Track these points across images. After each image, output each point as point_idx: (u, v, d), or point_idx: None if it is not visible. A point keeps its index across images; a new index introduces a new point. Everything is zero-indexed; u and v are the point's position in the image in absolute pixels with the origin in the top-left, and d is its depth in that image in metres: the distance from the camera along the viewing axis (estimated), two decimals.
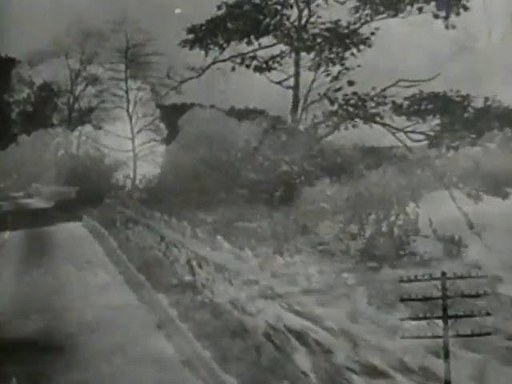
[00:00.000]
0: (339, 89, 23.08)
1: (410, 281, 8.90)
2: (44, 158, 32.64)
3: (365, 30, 23.13)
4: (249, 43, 24.39)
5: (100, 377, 11.22)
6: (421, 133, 21.61)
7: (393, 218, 18.75)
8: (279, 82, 24.17)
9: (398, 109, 21.93)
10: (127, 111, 30.83)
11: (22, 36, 28.69)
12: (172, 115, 29.95)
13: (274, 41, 24.34)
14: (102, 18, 28.03)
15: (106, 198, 29.58)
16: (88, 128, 32.26)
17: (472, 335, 8.74)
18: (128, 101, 30.71)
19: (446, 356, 8.48)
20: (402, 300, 9.05)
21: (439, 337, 8.59)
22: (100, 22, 28.40)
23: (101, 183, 30.89)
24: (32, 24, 28.09)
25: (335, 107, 22.78)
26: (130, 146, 31.01)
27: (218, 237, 17.02)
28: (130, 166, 31.12)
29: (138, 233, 22.61)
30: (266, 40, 24.30)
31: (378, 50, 22.69)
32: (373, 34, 23.06)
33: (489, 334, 8.71)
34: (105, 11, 27.61)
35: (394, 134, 21.98)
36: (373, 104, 22.26)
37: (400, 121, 21.76)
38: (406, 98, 21.94)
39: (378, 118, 22.03)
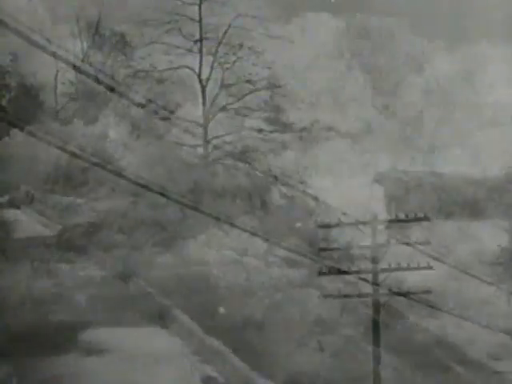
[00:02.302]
0: None
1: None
2: (40, 152, 23.45)
3: None
4: None
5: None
6: None
7: None
8: None
9: None
10: (199, 78, 22.12)
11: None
12: None
13: None
14: None
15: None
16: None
17: (407, 294, 9.35)
18: (201, 62, 22.14)
19: (377, 311, 9.11)
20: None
21: (369, 295, 9.01)
22: None
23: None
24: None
25: None
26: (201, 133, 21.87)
27: None
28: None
29: None
30: None
31: None
32: None
33: (429, 292, 9.09)
34: None
35: None
36: None
37: None
38: None
39: None
